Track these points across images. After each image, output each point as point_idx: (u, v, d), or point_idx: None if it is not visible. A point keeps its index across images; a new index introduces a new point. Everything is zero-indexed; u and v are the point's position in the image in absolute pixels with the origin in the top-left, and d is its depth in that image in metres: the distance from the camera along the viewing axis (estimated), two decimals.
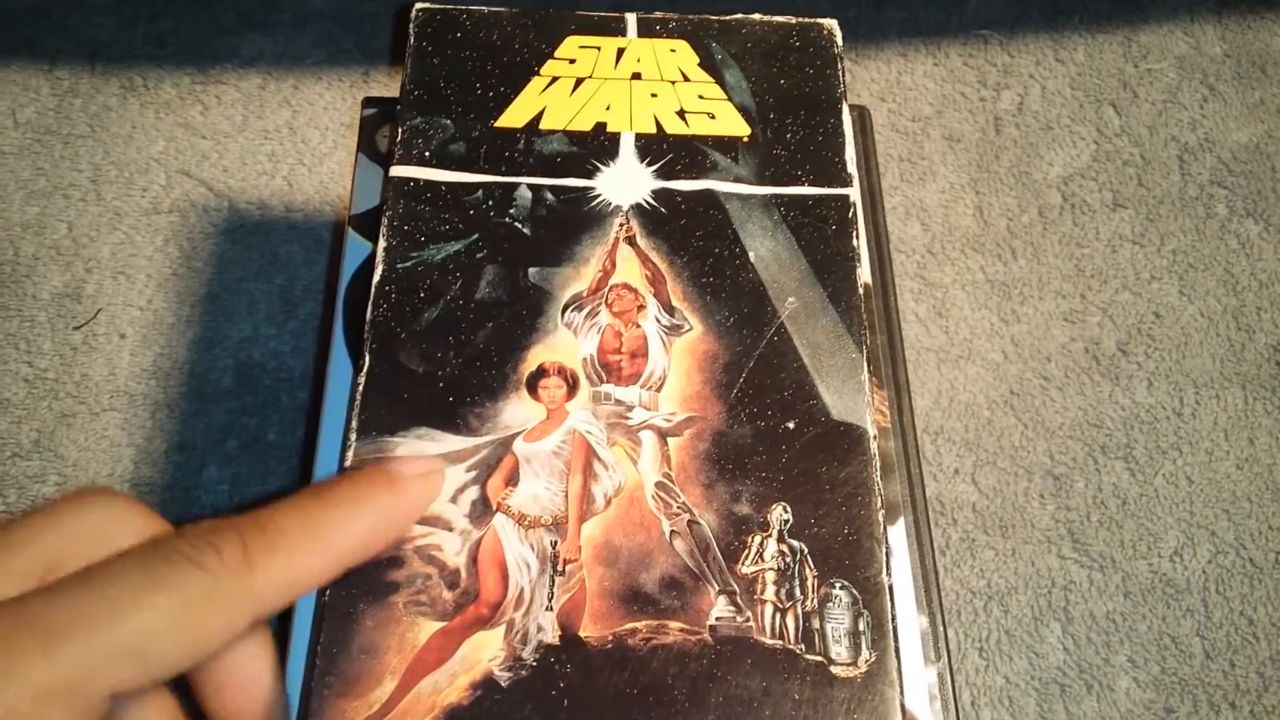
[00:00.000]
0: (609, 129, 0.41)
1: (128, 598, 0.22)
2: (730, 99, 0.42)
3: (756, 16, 0.44)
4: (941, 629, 0.36)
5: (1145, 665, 0.50)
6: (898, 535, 0.37)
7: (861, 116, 0.46)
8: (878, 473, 0.34)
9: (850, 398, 0.35)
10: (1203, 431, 0.56)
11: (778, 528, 0.33)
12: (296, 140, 0.64)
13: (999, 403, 0.57)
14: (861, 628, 0.32)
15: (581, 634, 0.31)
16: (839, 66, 0.42)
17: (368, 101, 0.47)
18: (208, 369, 0.57)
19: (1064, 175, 0.63)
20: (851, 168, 0.40)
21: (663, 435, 0.34)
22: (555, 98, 0.41)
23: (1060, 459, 0.55)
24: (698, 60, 0.42)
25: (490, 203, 0.39)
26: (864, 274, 0.38)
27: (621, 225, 0.39)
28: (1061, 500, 0.54)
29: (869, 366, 0.36)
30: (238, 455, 0.55)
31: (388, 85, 0.66)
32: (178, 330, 0.58)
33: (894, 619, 0.32)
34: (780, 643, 0.31)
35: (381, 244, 0.38)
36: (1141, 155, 0.64)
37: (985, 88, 0.66)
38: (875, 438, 0.35)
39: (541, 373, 0.35)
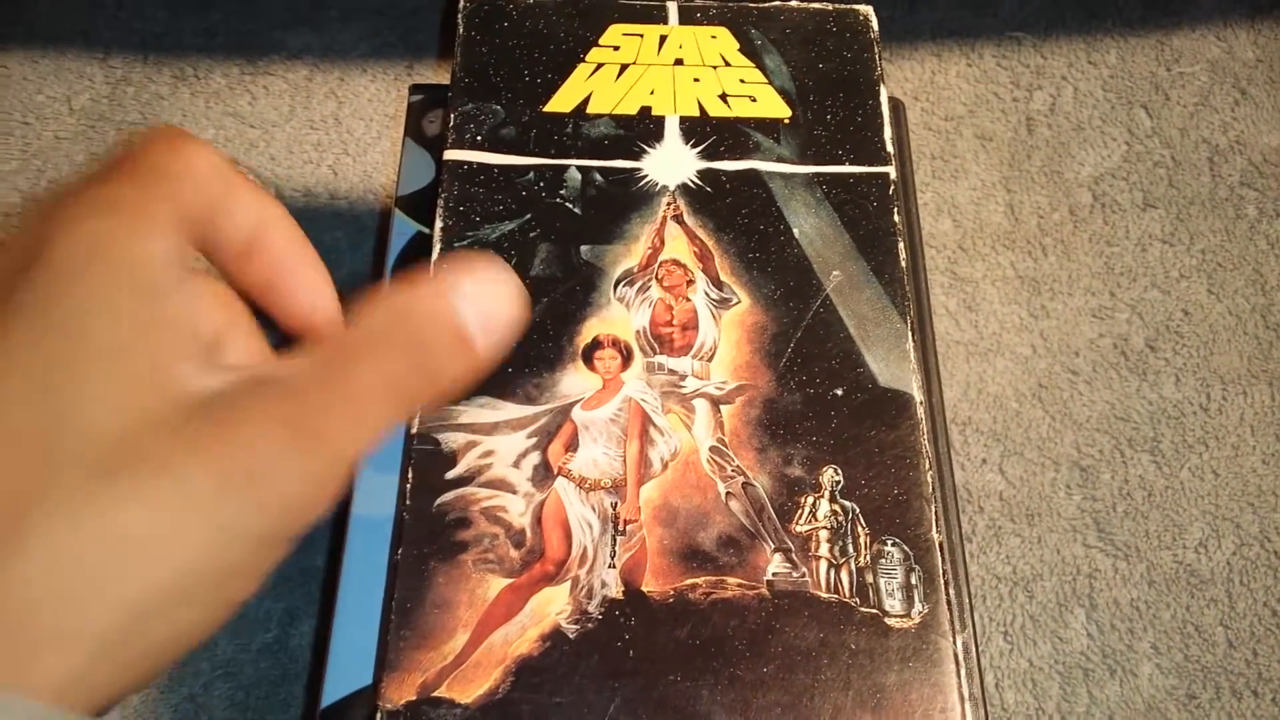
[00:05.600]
0: (654, 112, 0.42)
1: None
2: (771, 82, 0.43)
3: (794, 4, 0.45)
4: (967, 600, 0.37)
5: (1169, 652, 0.51)
6: None
7: (896, 108, 0.47)
8: (925, 436, 0.35)
9: (896, 365, 0.36)
10: (1229, 427, 0.57)
11: (829, 489, 0.34)
12: (342, 130, 0.65)
13: (1027, 395, 0.57)
14: (914, 581, 0.33)
15: (644, 589, 0.32)
16: (875, 51, 0.44)
17: (415, 89, 0.49)
18: None
19: (1095, 175, 0.64)
20: (890, 147, 0.41)
21: (715, 403, 0.36)
22: (601, 83, 0.43)
23: (1087, 451, 0.56)
24: (738, 46, 0.44)
25: (541, 184, 0.40)
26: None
27: (669, 204, 0.40)
28: (1088, 491, 0.55)
29: (913, 336, 0.37)
30: None
31: (431, 78, 0.67)
32: None
33: (944, 573, 0.33)
34: (835, 596, 0.33)
35: (438, 224, 0.39)
36: (1172, 156, 0.65)
37: (1018, 88, 0.67)
38: (921, 403, 0.36)
39: (597, 344, 0.37)
